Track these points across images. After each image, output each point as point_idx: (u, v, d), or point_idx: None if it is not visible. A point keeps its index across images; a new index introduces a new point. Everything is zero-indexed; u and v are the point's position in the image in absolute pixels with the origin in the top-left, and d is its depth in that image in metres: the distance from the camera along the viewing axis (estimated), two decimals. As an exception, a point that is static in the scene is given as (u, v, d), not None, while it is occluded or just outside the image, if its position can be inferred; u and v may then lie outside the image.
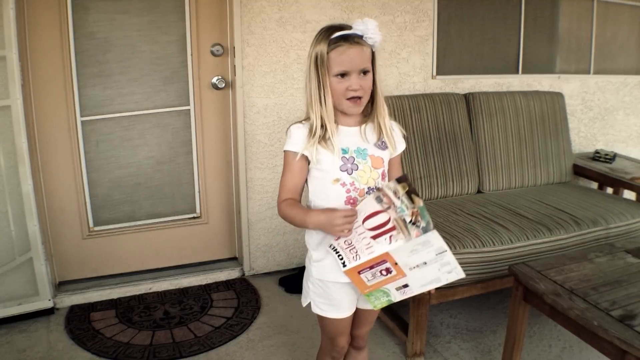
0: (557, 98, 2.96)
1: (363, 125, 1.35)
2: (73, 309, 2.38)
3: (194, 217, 2.71)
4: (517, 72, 3.15)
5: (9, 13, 2.01)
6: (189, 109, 2.56)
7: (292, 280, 2.64)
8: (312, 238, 1.39)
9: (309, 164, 1.32)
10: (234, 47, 2.46)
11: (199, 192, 2.68)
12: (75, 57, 2.31)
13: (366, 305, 1.46)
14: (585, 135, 3.45)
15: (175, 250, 2.70)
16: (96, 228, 2.54)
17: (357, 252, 1.22)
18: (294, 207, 1.32)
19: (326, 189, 1.32)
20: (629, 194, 2.77)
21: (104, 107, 2.42)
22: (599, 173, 2.88)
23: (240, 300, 2.50)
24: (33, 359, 2.02)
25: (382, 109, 1.34)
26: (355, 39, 1.25)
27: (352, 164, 1.31)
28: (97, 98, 2.40)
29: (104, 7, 2.31)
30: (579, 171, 2.97)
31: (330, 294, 1.39)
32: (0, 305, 2.21)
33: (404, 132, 1.44)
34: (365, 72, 1.28)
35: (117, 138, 2.48)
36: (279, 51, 2.54)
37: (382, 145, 1.36)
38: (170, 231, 2.67)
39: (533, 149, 2.83)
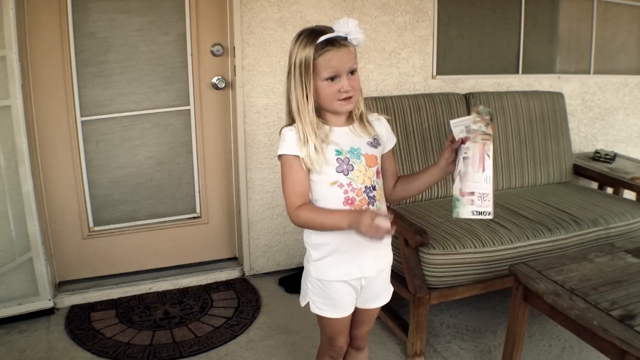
0: (557, 98, 2.96)
1: (352, 125, 1.36)
2: (73, 309, 2.38)
3: (194, 217, 2.71)
4: (517, 72, 3.15)
5: (9, 13, 2.01)
6: (189, 109, 2.56)
7: (292, 280, 2.64)
8: (311, 238, 1.39)
9: None
10: (234, 47, 2.46)
11: (199, 192, 2.68)
12: (75, 57, 2.31)
13: (365, 305, 1.46)
14: (585, 135, 3.45)
15: (175, 250, 2.70)
16: (96, 228, 2.54)
17: (483, 194, 1.27)
18: (319, 209, 1.31)
19: (324, 192, 1.32)
20: (629, 194, 2.77)
21: (104, 107, 2.42)
22: (599, 173, 2.87)
23: (240, 300, 2.50)
24: (33, 359, 2.02)
25: (360, 103, 1.37)
26: (341, 42, 1.26)
27: (348, 164, 1.31)
28: (97, 98, 2.40)
29: (104, 7, 2.31)
30: (579, 171, 2.97)
31: (328, 294, 1.39)
32: (0, 305, 2.21)
33: (388, 117, 1.46)
34: (352, 72, 1.29)
35: (117, 138, 2.48)
36: (279, 51, 2.54)
37: (374, 142, 1.36)
38: (170, 231, 2.67)
39: (533, 149, 2.83)
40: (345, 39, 1.26)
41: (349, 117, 1.37)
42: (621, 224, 2.31)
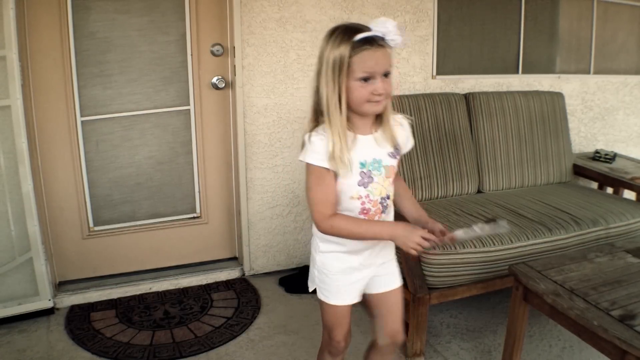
0: (557, 98, 2.96)
1: (376, 133, 1.33)
2: (73, 308, 2.38)
3: (194, 217, 2.71)
4: (517, 72, 3.15)
5: (9, 13, 2.01)
6: (189, 109, 2.56)
7: (292, 280, 2.64)
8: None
9: None
10: (234, 47, 2.46)
11: (199, 192, 2.68)
12: (75, 57, 2.31)
13: (379, 290, 1.46)
14: (585, 135, 3.45)
15: (175, 250, 2.70)
16: (96, 228, 2.54)
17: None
18: (357, 220, 1.31)
19: (342, 202, 1.32)
20: (629, 194, 2.77)
21: (104, 107, 2.42)
22: (599, 173, 2.87)
23: (240, 300, 2.50)
24: (33, 359, 2.02)
25: (390, 110, 1.34)
26: (378, 42, 1.21)
27: (368, 177, 1.30)
28: (97, 98, 2.40)
29: (104, 7, 2.31)
30: (579, 171, 2.97)
31: (330, 282, 1.41)
32: (0, 305, 2.21)
33: (411, 118, 1.44)
34: (387, 75, 1.25)
35: (117, 138, 2.48)
36: (279, 51, 2.54)
37: (395, 153, 1.35)
38: (170, 231, 2.67)
39: (533, 149, 2.83)
40: (383, 39, 1.22)
41: (375, 121, 1.34)
42: (621, 224, 2.31)
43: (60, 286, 2.50)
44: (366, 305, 1.52)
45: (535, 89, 3.16)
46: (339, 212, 1.34)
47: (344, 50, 1.20)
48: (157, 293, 2.55)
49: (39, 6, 2.20)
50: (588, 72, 3.39)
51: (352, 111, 1.28)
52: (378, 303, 1.49)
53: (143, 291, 2.54)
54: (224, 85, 2.55)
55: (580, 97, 3.36)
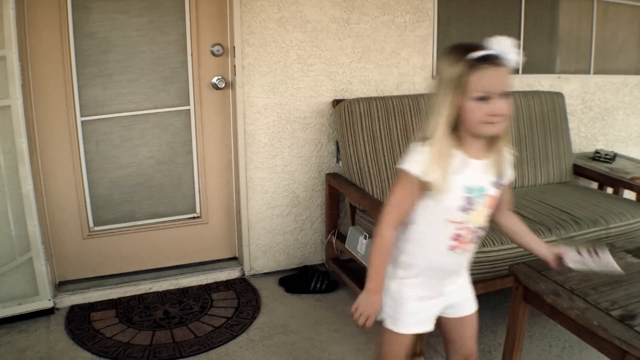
0: (557, 98, 2.96)
1: (487, 160, 1.27)
2: (73, 308, 2.38)
3: (194, 217, 2.71)
4: (517, 72, 3.15)
5: (9, 13, 2.01)
6: (189, 109, 2.56)
7: (292, 280, 2.64)
8: (408, 257, 1.35)
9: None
10: (234, 47, 2.46)
11: (199, 192, 2.68)
12: (75, 57, 2.31)
13: (455, 314, 1.44)
14: (585, 135, 3.45)
15: (175, 250, 2.70)
16: (96, 228, 2.54)
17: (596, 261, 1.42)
18: (386, 254, 1.31)
19: (437, 223, 1.29)
20: (629, 194, 2.77)
21: (104, 107, 2.42)
22: (599, 173, 2.87)
23: (240, 300, 2.50)
24: (33, 359, 2.02)
25: (505, 135, 1.28)
26: (495, 61, 1.16)
27: (471, 203, 1.26)
28: (97, 98, 2.40)
29: (104, 7, 2.31)
30: (579, 171, 2.97)
31: (403, 311, 1.36)
32: (0, 305, 2.21)
33: (516, 152, 1.40)
34: (504, 95, 1.19)
35: (117, 138, 2.48)
36: (279, 51, 2.54)
37: (499, 184, 1.31)
38: (170, 231, 2.67)
39: (533, 149, 2.83)
40: (500, 57, 1.16)
41: (487, 146, 1.27)
42: (621, 224, 2.31)
43: (60, 286, 2.49)
44: (440, 328, 1.48)
45: (535, 89, 3.16)
46: (429, 233, 1.31)
47: (460, 68, 1.17)
48: (157, 293, 2.55)
49: (39, 6, 2.20)
50: (588, 72, 3.39)
51: (467, 132, 1.23)
52: (453, 328, 1.46)
53: (143, 291, 2.54)
54: (224, 85, 2.55)
55: (580, 97, 3.36)
